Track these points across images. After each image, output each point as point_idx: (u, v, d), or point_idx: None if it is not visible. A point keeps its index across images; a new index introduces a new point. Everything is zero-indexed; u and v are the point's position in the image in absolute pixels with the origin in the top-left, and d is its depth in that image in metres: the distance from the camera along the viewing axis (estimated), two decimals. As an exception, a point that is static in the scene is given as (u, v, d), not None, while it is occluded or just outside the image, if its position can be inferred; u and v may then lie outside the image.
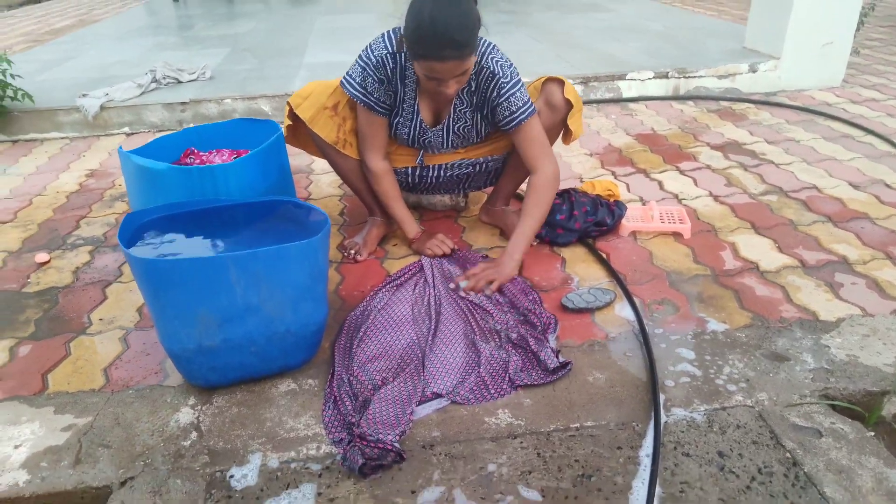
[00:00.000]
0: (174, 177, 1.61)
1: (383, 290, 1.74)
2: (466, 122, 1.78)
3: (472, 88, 1.70)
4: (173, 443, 1.28)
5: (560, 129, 1.90)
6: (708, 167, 2.54)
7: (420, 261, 1.86)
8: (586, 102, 3.43)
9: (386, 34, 1.67)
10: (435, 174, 1.95)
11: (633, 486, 1.15)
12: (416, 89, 1.71)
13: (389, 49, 1.65)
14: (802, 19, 3.37)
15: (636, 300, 1.67)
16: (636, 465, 1.20)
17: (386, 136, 1.81)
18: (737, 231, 2.03)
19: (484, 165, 1.98)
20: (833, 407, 1.33)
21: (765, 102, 3.35)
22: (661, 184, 2.41)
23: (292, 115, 1.84)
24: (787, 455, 1.21)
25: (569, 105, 1.81)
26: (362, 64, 1.68)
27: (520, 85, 1.68)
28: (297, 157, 2.74)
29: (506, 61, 1.68)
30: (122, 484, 1.20)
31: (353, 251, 1.94)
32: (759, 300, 1.67)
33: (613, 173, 2.53)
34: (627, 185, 2.40)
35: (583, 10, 5.57)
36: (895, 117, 3.04)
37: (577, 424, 1.29)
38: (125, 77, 3.53)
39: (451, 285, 1.71)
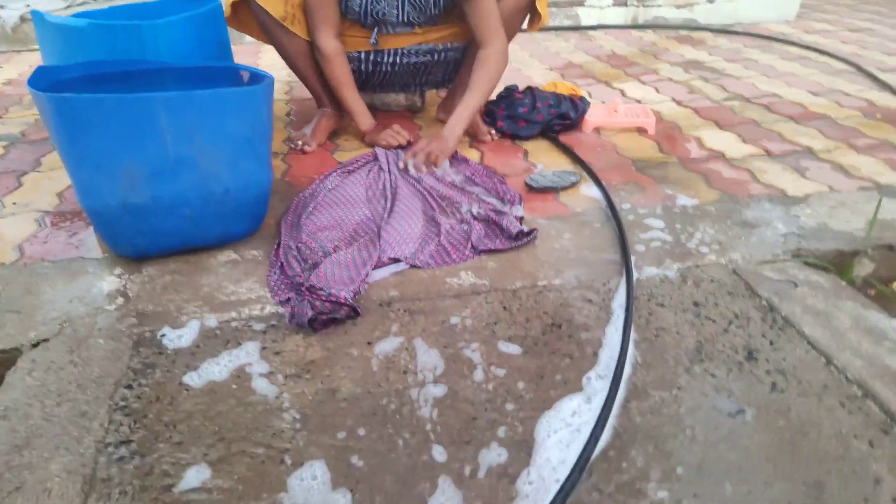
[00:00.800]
0: (96, 35, 1.43)
1: (334, 174, 1.61)
2: None
3: None
4: (95, 307, 1.14)
5: (526, 12, 1.79)
6: (670, 79, 2.48)
7: (374, 151, 1.74)
8: (544, 29, 3.33)
9: None
10: (391, 60, 1.82)
11: (607, 331, 1.08)
12: None
13: None
14: (759, -51, 3.35)
15: (601, 181, 1.59)
16: (608, 314, 1.12)
17: (337, 10, 1.66)
18: (701, 128, 1.98)
19: (443, 54, 1.85)
20: (806, 265, 1.28)
21: (723, 31, 3.32)
22: (623, 92, 2.34)
23: None
24: (764, 303, 1.15)
25: (536, -17, 1.71)
26: None
27: None
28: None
29: None
30: (35, 346, 1.05)
31: (300, 142, 1.80)
32: (726, 181, 1.62)
33: (574, 84, 2.44)
34: (589, 94, 2.32)
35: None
36: (848, 44, 3.05)
37: (545, 282, 1.21)
38: (49, -5, 3.24)
39: (400, 164, 1.59)
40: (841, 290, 1.19)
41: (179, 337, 1.07)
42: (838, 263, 1.31)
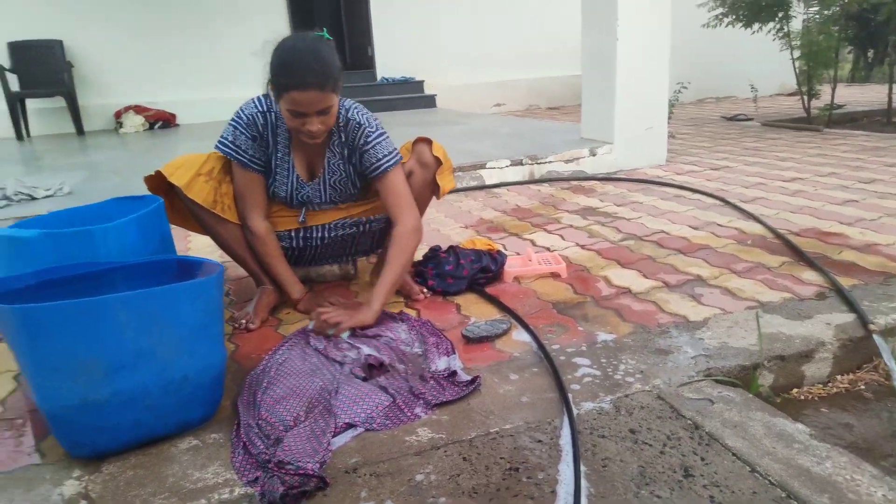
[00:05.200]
0: (46, 244, 1.51)
1: (282, 348, 1.69)
2: (341, 174, 1.87)
3: (343, 140, 1.81)
4: (57, 515, 1.12)
5: (432, 186, 2.02)
6: (571, 226, 2.80)
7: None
8: (454, 191, 3.67)
9: (256, 98, 1.76)
10: (319, 235, 1.98)
11: (560, 468, 1.18)
12: (289, 145, 1.79)
13: (260, 108, 1.74)
14: (625, 109, 3.94)
15: (530, 326, 1.76)
16: (558, 451, 1.23)
17: (264, 194, 1.84)
18: (606, 268, 2.23)
19: (367, 226, 2.05)
20: (717, 382, 1.46)
21: (607, 178, 3.80)
22: (533, 241, 2.61)
23: (161, 185, 1.82)
24: (689, 422, 1.30)
25: (438, 162, 1.96)
26: (233, 124, 1.74)
27: (385, 136, 1.81)
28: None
29: (371, 116, 1.82)
30: (-6, 566, 1.02)
31: (244, 321, 1.88)
32: (636, 313, 1.83)
33: (489, 238, 2.70)
34: (504, 246, 2.57)
35: (439, 125, 6.08)
36: (713, 181, 3.57)
37: (497, 429, 1.31)
38: (-32, 198, 3.27)
39: (308, 327, 1.74)
40: (750, 401, 1.37)
41: (149, 534, 1.07)
42: (743, 377, 1.50)
